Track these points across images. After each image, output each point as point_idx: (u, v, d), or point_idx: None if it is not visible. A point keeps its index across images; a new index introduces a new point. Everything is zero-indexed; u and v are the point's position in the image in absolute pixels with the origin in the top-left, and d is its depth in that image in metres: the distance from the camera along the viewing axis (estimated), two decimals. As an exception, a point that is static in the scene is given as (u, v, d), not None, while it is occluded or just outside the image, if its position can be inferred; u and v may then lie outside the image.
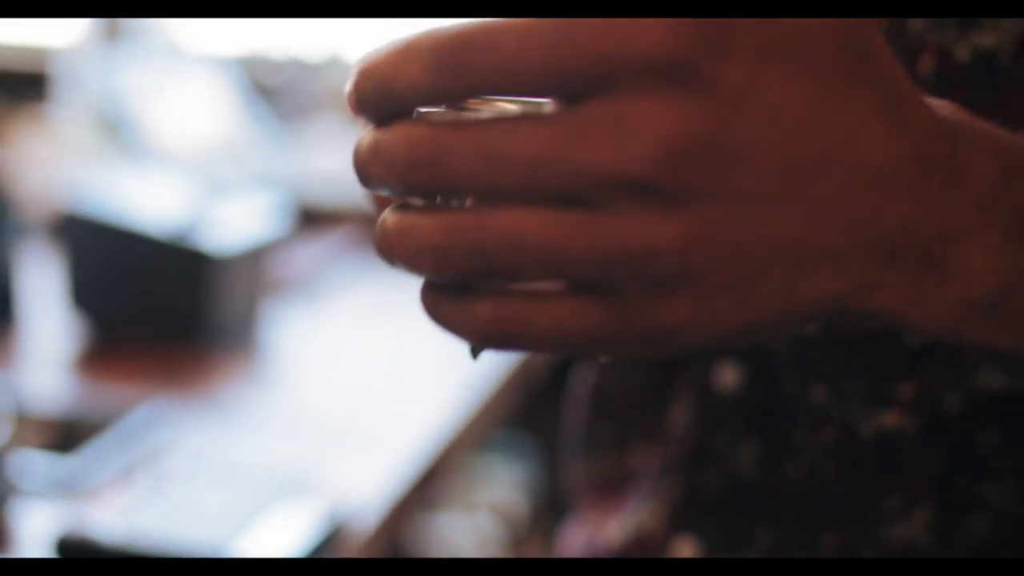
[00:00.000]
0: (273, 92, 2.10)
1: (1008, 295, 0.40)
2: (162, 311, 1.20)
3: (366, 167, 0.36)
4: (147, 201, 1.24)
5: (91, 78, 1.67)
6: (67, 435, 1.01)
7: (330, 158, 1.78)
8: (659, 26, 0.33)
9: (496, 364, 1.28)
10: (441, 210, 0.35)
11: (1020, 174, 0.40)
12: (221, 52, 2.21)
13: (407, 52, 0.34)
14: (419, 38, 0.35)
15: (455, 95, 0.34)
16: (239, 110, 1.85)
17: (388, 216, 0.36)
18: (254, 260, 1.22)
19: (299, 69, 2.16)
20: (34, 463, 0.94)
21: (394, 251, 0.35)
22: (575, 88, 0.34)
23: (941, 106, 0.39)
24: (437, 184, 0.35)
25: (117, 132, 1.63)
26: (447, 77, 0.34)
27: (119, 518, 0.83)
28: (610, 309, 0.35)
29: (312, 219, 1.60)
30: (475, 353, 0.40)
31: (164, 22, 2.21)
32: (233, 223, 1.23)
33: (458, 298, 0.36)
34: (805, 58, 0.35)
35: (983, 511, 0.57)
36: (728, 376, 0.62)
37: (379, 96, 0.35)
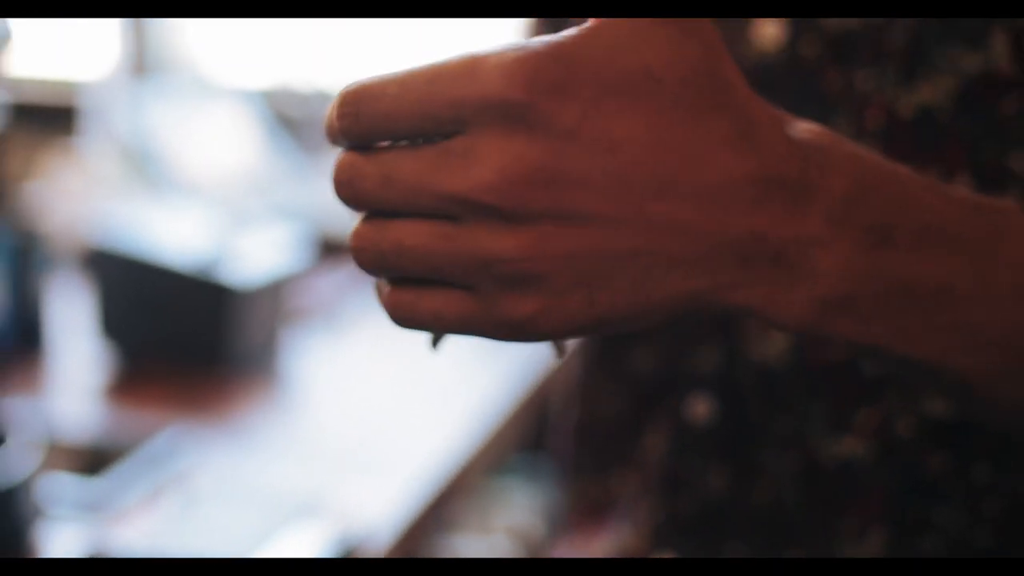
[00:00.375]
0: (297, 124, 2.14)
1: (857, 295, 0.45)
2: (187, 341, 1.24)
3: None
4: (173, 235, 1.28)
5: (119, 112, 1.72)
6: (95, 460, 1.05)
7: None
8: (498, 71, 0.40)
9: (511, 388, 1.31)
10: (364, 220, 0.44)
11: (871, 192, 0.45)
12: (246, 85, 2.26)
13: (334, 102, 0.43)
14: (341, 90, 0.43)
15: (358, 136, 0.43)
16: (263, 142, 1.89)
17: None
18: (275, 291, 1.27)
19: (323, 101, 2.19)
20: (63, 487, 0.98)
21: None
22: (443, 128, 0.41)
23: (804, 130, 0.45)
24: (355, 200, 0.43)
25: (144, 166, 1.67)
26: (348, 121, 0.42)
27: (143, 539, 0.87)
28: (474, 302, 0.43)
29: (332, 249, 1.64)
30: (434, 343, 0.53)
31: (191, 55, 2.26)
32: (255, 255, 1.27)
33: (380, 287, 0.46)
34: (646, 96, 0.41)
35: (934, 533, 0.61)
36: (700, 408, 0.66)
37: (328, 135, 0.44)
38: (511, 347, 1.39)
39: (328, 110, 0.43)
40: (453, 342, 0.55)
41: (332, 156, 1.46)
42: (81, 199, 1.56)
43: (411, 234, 0.42)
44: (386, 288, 0.45)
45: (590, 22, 0.42)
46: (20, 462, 0.89)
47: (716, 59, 0.42)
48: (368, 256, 0.43)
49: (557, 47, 0.41)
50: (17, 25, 1.04)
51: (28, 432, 0.94)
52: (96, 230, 1.29)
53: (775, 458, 0.63)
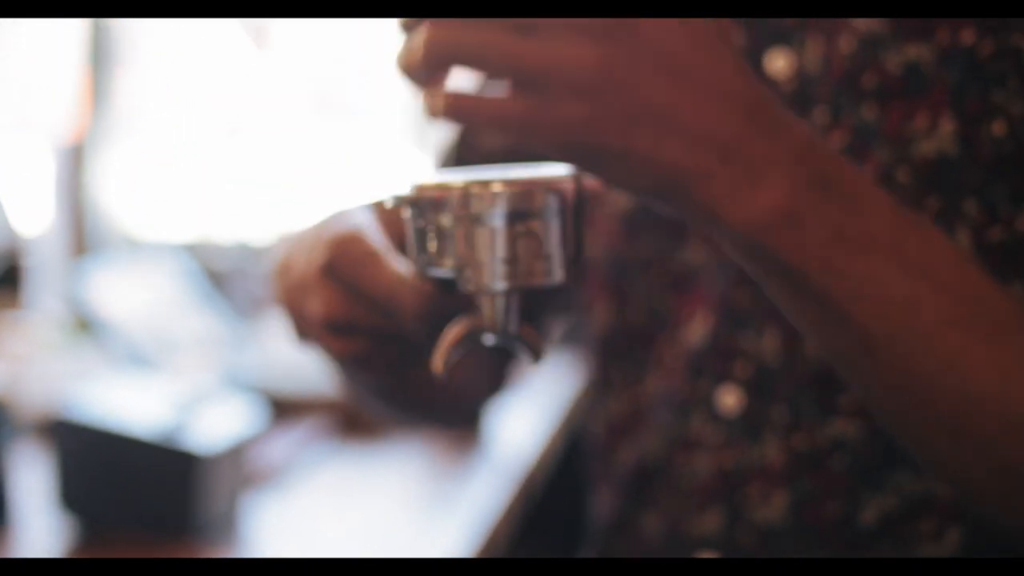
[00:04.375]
0: (222, 277, 2.16)
1: (801, 215, 0.56)
2: (150, 509, 1.26)
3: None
4: (130, 403, 1.31)
5: (61, 282, 1.75)
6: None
7: (288, 347, 1.86)
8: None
9: (457, 544, 1.35)
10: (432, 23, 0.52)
11: (821, 148, 0.58)
12: (169, 239, 2.29)
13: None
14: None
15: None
16: (197, 301, 1.93)
17: None
18: (236, 456, 1.30)
19: (246, 254, 2.22)
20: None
21: None
22: None
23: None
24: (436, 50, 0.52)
25: (91, 335, 1.70)
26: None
27: None
28: (535, 103, 0.52)
29: (282, 410, 1.67)
30: (441, 364, 0.61)
31: (117, 211, 2.29)
32: (213, 420, 1.31)
33: (434, 96, 0.53)
34: (681, 27, 0.54)
35: None
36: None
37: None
38: (463, 501, 1.43)
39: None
40: (455, 358, 0.63)
41: (265, 317, 1.51)
42: (34, 367, 1.58)
43: (491, 33, 0.51)
44: (444, 95, 0.52)
45: None
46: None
47: (724, 29, 0.56)
48: (443, 47, 0.51)
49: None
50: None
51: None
52: (54, 400, 1.32)
53: None
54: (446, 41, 0.50)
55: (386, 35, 2.31)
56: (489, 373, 0.97)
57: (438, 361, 0.61)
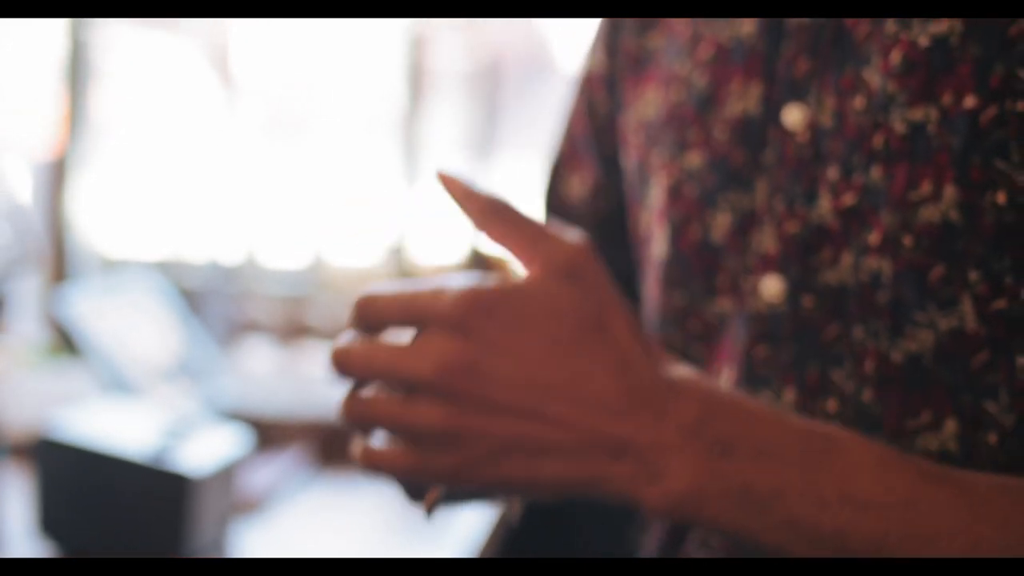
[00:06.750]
0: (196, 297, 2.15)
1: (704, 493, 0.59)
2: (136, 534, 1.23)
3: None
4: (114, 426, 1.29)
5: (39, 301, 1.73)
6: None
7: (266, 369, 1.85)
8: (452, 297, 0.58)
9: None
10: (351, 390, 0.62)
11: (716, 416, 0.60)
12: (147, 258, 2.27)
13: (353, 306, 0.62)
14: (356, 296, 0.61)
15: (360, 325, 0.61)
16: (175, 322, 1.91)
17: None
18: (224, 479, 1.28)
19: (217, 272, 2.21)
20: None
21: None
22: (415, 325, 0.59)
23: (676, 371, 0.61)
24: (343, 372, 0.61)
25: (70, 354, 1.68)
26: (354, 315, 0.61)
27: None
28: (411, 454, 0.59)
29: (259, 434, 1.66)
30: (429, 513, 0.66)
31: (97, 234, 2.27)
32: (199, 444, 1.29)
33: (355, 444, 0.63)
34: (551, 329, 0.58)
35: None
36: None
37: (347, 325, 0.62)
38: (447, 530, 1.43)
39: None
40: (442, 512, 0.70)
41: (241, 334, 1.50)
42: (10, 389, 1.56)
43: (376, 404, 0.60)
44: (360, 445, 0.62)
45: (525, 275, 0.59)
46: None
47: (607, 313, 0.59)
48: (349, 417, 0.61)
49: (496, 287, 0.58)
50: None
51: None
52: (31, 422, 1.29)
53: None
54: (352, 412, 0.61)
55: (352, 54, 2.30)
56: None
57: None
